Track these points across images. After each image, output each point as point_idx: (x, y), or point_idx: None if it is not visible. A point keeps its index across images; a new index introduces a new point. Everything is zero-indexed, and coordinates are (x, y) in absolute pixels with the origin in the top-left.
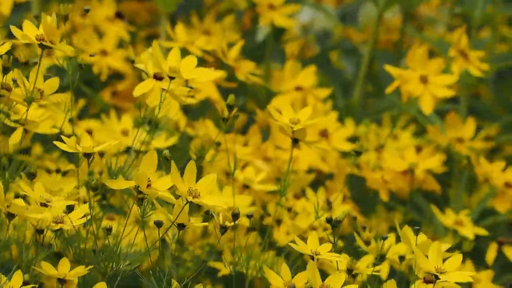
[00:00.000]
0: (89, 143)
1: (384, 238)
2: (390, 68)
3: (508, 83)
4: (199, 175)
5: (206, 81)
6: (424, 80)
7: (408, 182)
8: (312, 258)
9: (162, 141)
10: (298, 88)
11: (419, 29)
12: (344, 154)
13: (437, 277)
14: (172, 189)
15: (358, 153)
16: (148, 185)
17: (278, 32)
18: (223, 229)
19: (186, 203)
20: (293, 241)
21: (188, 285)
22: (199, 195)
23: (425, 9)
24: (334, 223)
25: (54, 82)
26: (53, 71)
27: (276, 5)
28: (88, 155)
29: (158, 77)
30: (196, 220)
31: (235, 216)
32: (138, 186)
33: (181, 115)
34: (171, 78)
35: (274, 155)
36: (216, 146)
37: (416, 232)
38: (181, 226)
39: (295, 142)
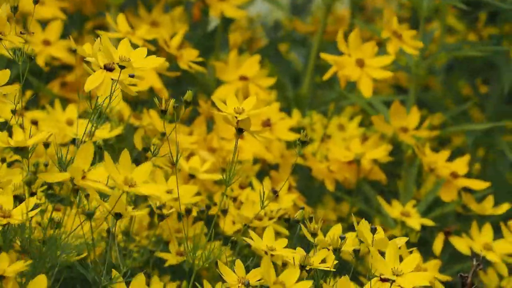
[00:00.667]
0: (21, 137)
1: (342, 238)
2: (325, 56)
3: (457, 74)
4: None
5: (149, 70)
6: (360, 63)
7: (354, 172)
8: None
9: (106, 132)
10: (242, 78)
11: (368, 20)
12: (290, 145)
13: (393, 281)
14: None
15: (303, 143)
16: (84, 177)
17: (227, 23)
18: (161, 217)
19: (122, 193)
20: (239, 231)
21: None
22: (135, 184)
23: (374, 1)
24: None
25: (5, 74)
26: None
27: None
28: (21, 149)
29: (108, 68)
30: (138, 210)
31: (188, 212)
32: (73, 178)
33: (125, 105)
34: (122, 67)
35: (219, 145)
36: (161, 137)
37: (373, 232)
38: (118, 216)
39: (240, 132)
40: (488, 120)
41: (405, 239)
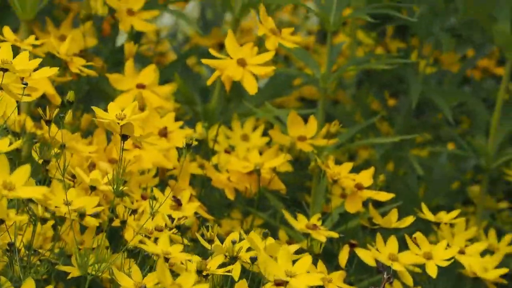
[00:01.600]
0: None
1: (234, 242)
2: (206, 61)
3: (367, 89)
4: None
5: (42, 78)
6: (242, 63)
7: (255, 183)
8: (166, 260)
9: (5, 145)
10: (140, 86)
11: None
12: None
13: (286, 282)
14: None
15: (188, 146)
16: None
17: (137, 37)
18: (44, 220)
19: (1, 197)
20: (142, 242)
21: None
22: (14, 188)
23: (283, 14)
24: (182, 229)
25: None
26: None
27: (135, 11)
28: None
29: None
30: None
31: (82, 216)
32: None
33: (27, 116)
34: (4, 70)
35: (120, 156)
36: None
37: (264, 236)
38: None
39: (124, 137)
40: (397, 133)
41: (296, 246)
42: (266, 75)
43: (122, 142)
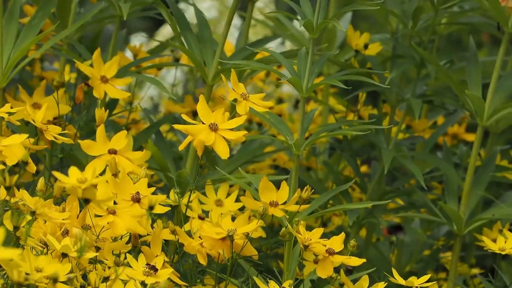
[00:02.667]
0: None
1: None
2: (179, 126)
3: (339, 155)
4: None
5: (16, 144)
6: (213, 128)
7: (227, 249)
8: None
9: None
10: (111, 151)
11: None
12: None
13: None
14: None
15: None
16: None
17: (111, 105)
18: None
19: None
20: None
21: None
22: None
23: (255, 82)
24: None
25: None
26: None
27: (108, 78)
28: None
29: None
30: None
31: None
32: None
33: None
34: None
35: (93, 222)
36: (32, 214)
37: None
38: None
39: (86, 201)
40: (369, 200)
41: None
42: (238, 140)
43: (85, 204)
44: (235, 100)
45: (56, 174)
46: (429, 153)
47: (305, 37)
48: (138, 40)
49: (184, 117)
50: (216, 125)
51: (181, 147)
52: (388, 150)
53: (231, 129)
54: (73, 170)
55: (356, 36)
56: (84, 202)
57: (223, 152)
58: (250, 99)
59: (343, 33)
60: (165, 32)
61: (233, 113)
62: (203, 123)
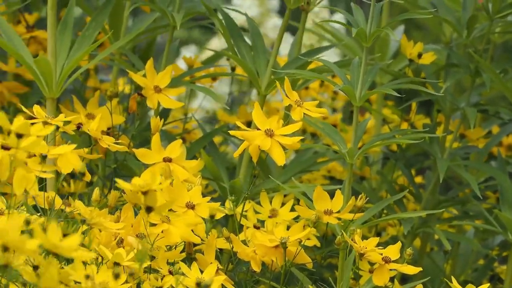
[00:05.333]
0: None
1: None
2: (234, 132)
3: (392, 165)
4: None
5: (71, 154)
6: (270, 133)
7: (280, 256)
8: None
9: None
10: (166, 159)
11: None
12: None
13: None
14: None
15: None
16: None
17: (164, 115)
18: None
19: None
20: None
21: None
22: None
23: (310, 93)
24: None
25: None
26: None
27: (162, 88)
28: None
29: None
30: None
31: None
32: None
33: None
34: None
35: (147, 230)
36: (86, 224)
37: None
38: None
39: (148, 210)
40: (423, 209)
41: None
42: (294, 146)
43: (146, 214)
44: (289, 107)
45: (119, 181)
46: (483, 163)
47: (358, 47)
48: (189, 51)
49: (239, 123)
50: (272, 131)
51: (236, 154)
52: (443, 159)
53: (287, 135)
54: (136, 179)
55: (410, 46)
56: (146, 210)
57: (279, 158)
58: (305, 106)
59: (396, 43)
60: (214, 44)
61: (286, 122)
62: (258, 129)
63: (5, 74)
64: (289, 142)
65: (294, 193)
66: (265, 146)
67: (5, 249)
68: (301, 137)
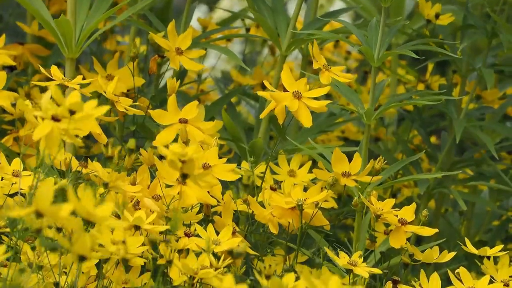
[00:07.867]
0: None
1: None
2: (262, 93)
3: (408, 126)
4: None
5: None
6: (297, 96)
7: (297, 218)
8: None
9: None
10: (182, 121)
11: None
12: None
13: None
14: None
15: (245, 186)
16: None
17: (180, 76)
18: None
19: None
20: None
21: None
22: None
23: (325, 53)
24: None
25: None
26: None
27: (183, 50)
28: None
29: (56, 119)
30: None
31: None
32: None
33: (72, 156)
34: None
35: (163, 192)
36: (104, 186)
37: None
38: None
39: (184, 177)
40: (439, 170)
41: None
42: (321, 109)
43: (182, 180)
44: (319, 70)
45: (159, 146)
46: (499, 123)
47: (374, 8)
48: (200, 11)
49: (266, 84)
50: (300, 93)
51: (262, 115)
52: (460, 120)
53: (314, 98)
54: (173, 146)
55: (428, 6)
56: (182, 177)
57: (306, 119)
58: (332, 70)
59: (410, 3)
60: (224, 4)
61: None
62: (285, 91)
63: (24, 37)
64: (316, 105)
65: (312, 154)
66: (293, 107)
67: (39, 215)
68: (329, 101)
